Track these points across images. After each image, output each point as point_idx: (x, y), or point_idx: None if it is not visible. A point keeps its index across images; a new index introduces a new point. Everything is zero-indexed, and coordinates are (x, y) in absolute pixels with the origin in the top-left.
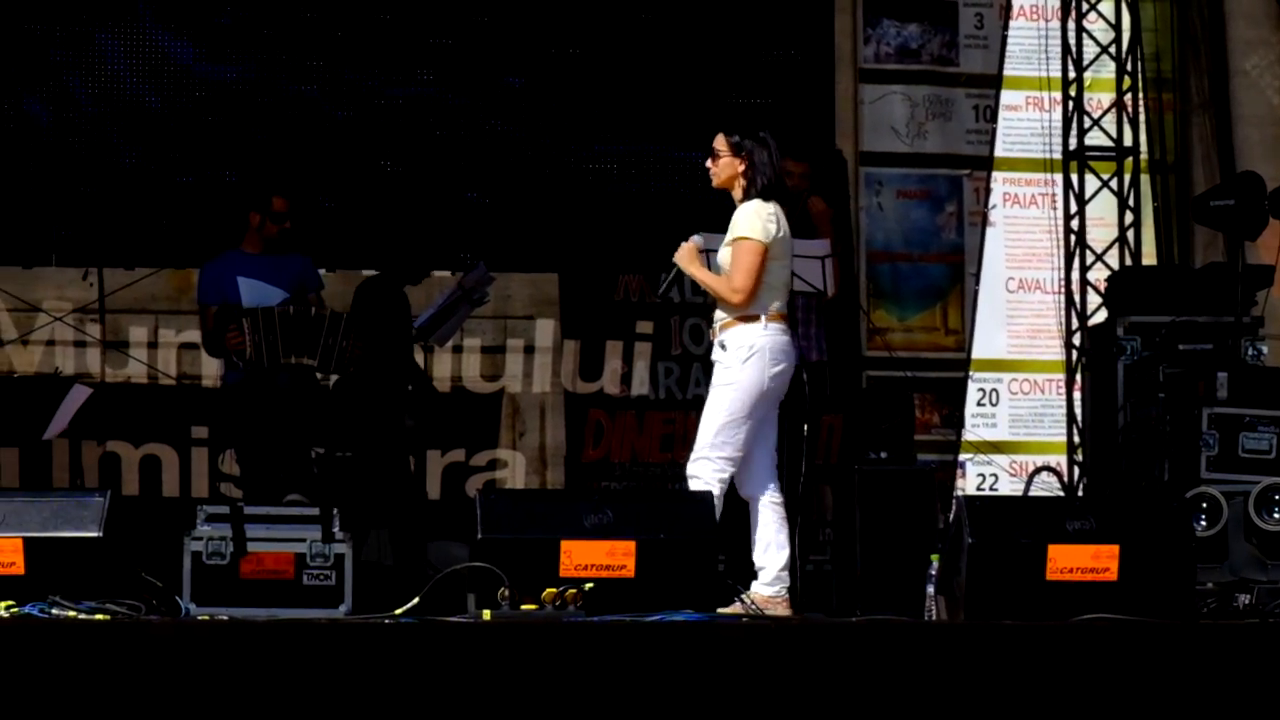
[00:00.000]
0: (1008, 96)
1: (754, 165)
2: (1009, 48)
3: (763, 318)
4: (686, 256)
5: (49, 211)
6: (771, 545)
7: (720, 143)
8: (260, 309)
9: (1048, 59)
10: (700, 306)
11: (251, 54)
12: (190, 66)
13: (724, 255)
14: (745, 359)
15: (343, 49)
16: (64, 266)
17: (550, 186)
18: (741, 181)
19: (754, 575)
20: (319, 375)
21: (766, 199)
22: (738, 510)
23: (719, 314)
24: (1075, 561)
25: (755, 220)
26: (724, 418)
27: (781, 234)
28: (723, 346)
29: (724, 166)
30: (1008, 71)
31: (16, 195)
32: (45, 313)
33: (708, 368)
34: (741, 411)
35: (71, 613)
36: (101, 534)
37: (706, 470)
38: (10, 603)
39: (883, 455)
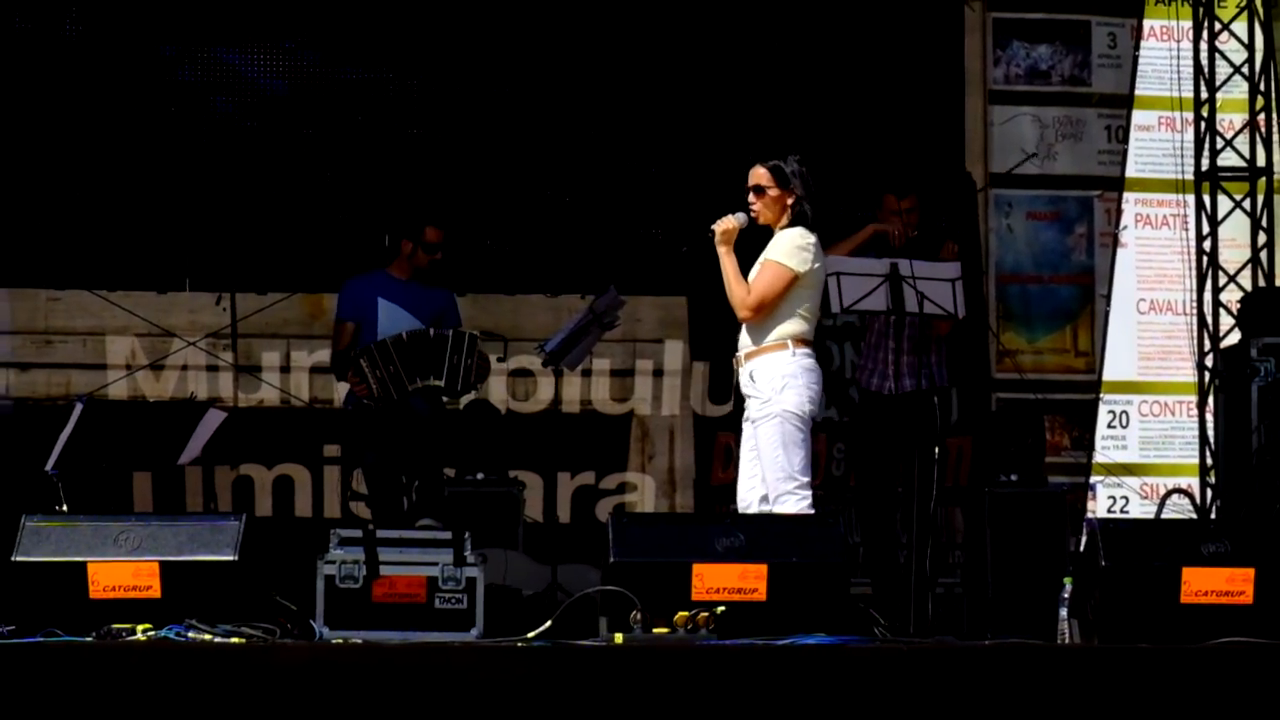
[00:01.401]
0: (1139, 117)
1: (800, 193)
2: (1140, 68)
3: (790, 344)
4: (727, 236)
5: (183, 238)
6: None
7: (764, 178)
8: (374, 344)
9: (1180, 79)
10: (829, 330)
11: (390, 78)
12: (322, 93)
13: (754, 272)
14: (781, 388)
15: (480, 77)
16: (197, 292)
17: (679, 210)
18: (789, 213)
19: None
20: (445, 399)
21: (808, 227)
22: None
23: (744, 341)
24: (1210, 585)
25: (795, 250)
26: (784, 448)
27: (818, 265)
28: (752, 378)
29: (773, 201)
30: (1139, 92)
31: (150, 222)
32: (179, 338)
33: (831, 390)
34: (796, 436)
35: (207, 636)
36: (236, 558)
37: (790, 505)
38: (147, 626)
39: (1013, 478)
